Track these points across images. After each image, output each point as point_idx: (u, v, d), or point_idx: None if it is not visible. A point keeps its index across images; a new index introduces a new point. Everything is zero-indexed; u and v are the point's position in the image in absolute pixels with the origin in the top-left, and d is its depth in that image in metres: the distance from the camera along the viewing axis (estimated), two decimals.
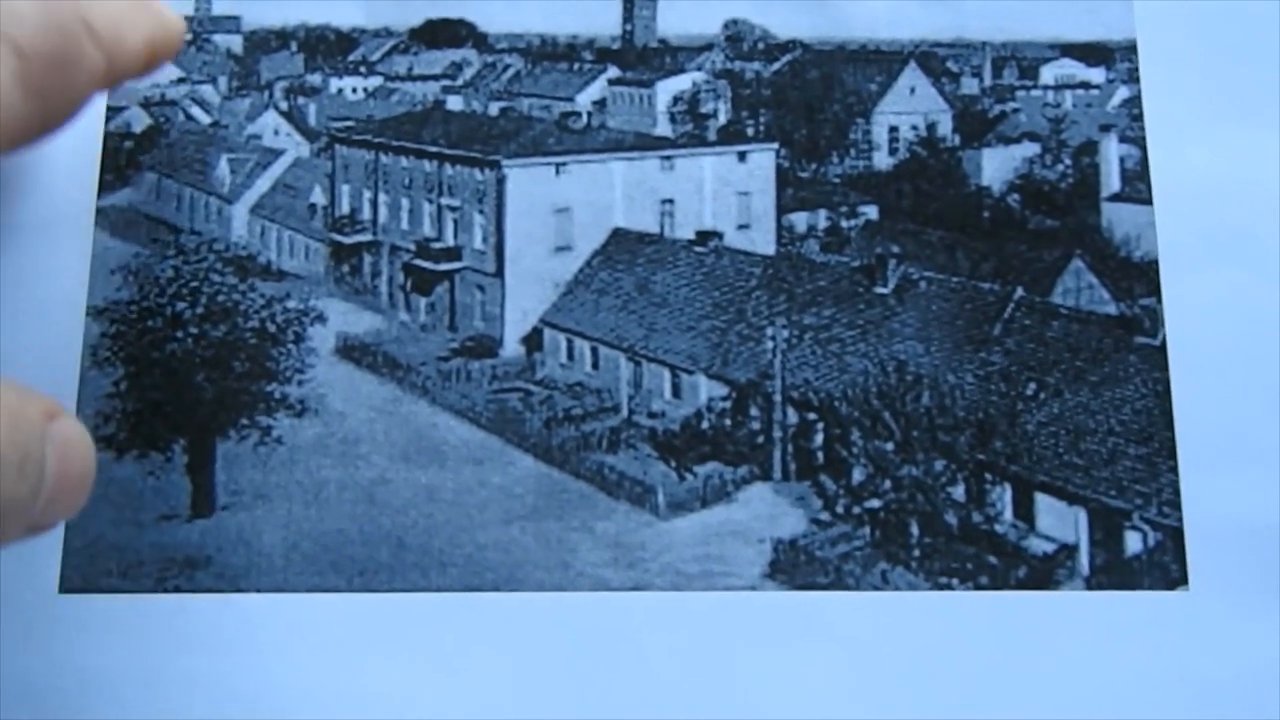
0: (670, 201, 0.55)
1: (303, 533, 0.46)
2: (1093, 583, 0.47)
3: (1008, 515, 0.48)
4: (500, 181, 0.58)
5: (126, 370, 0.48)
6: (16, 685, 0.43)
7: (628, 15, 0.54)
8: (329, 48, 0.54)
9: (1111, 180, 0.53)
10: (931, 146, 0.55)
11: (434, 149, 0.59)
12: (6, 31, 0.28)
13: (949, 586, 0.46)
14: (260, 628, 0.44)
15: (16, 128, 0.29)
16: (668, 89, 0.56)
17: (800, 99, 0.54)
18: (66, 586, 0.44)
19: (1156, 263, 0.50)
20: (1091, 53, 0.54)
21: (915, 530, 0.47)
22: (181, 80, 0.54)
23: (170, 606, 0.44)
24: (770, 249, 0.54)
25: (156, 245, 0.50)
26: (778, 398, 0.50)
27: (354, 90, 0.56)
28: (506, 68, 0.56)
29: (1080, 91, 0.55)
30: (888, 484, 0.48)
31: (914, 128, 0.56)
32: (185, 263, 0.50)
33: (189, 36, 0.55)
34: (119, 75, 0.36)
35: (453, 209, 0.58)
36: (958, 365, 0.50)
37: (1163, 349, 0.49)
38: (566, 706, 0.43)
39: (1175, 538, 0.46)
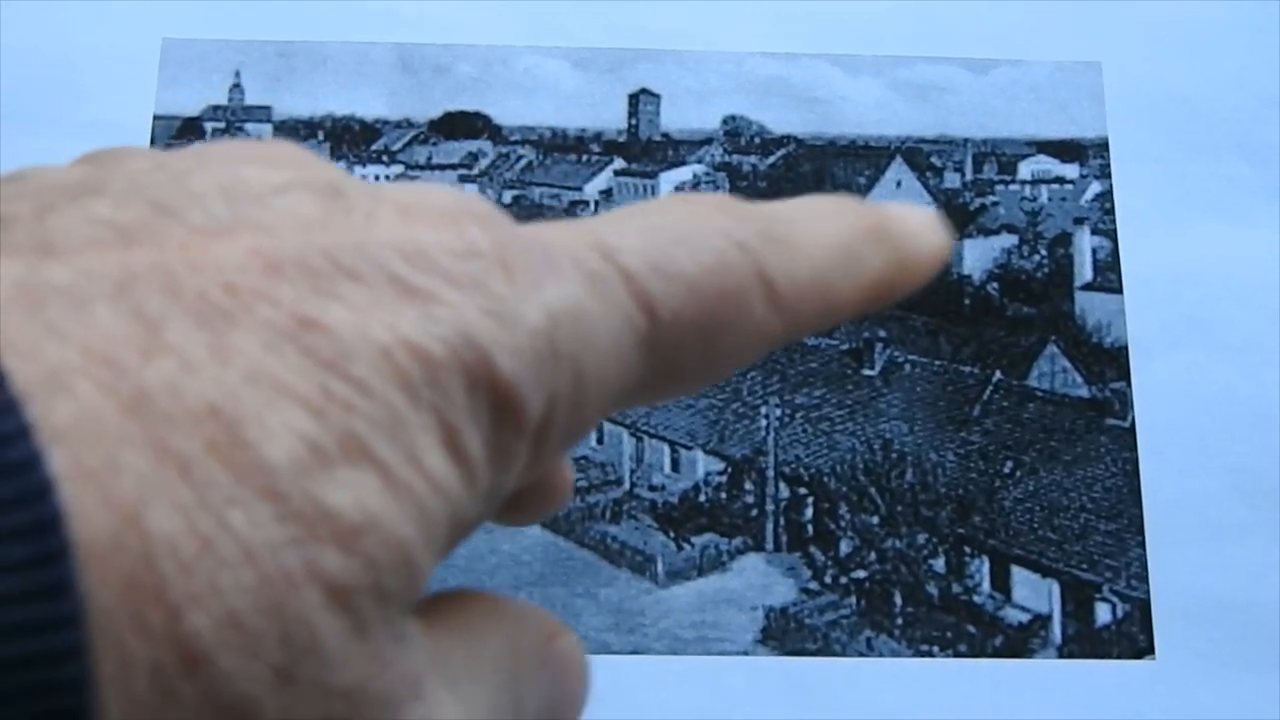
0: None
1: None
2: (1065, 651, 0.48)
3: (985, 586, 0.49)
4: None
5: None
6: None
7: (633, 111, 0.56)
8: (354, 137, 0.56)
9: (1084, 270, 0.54)
10: None
11: None
12: (649, 291, 0.20)
13: (930, 653, 0.48)
14: None
15: (625, 391, 0.21)
16: (670, 180, 0.57)
17: (794, 191, 0.54)
18: None
19: (1126, 348, 0.52)
20: (1066, 150, 0.56)
21: (899, 600, 0.49)
22: None
23: None
24: None
25: None
26: (770, 473, 0.51)
27: (377, 178, 0.56)
28: (519, 158, 0.57)
29: (1055, 186, 0.56)
30: (873, 556, 0.50)
31: None
32: None
33: (221, 125, 0.57)
34: (801, 336, 0.27)
35: None
36: (940, 444, 0.51)
37: (1132, 430, 0.51)
38: None
39: (1143, 609, 0.48)
